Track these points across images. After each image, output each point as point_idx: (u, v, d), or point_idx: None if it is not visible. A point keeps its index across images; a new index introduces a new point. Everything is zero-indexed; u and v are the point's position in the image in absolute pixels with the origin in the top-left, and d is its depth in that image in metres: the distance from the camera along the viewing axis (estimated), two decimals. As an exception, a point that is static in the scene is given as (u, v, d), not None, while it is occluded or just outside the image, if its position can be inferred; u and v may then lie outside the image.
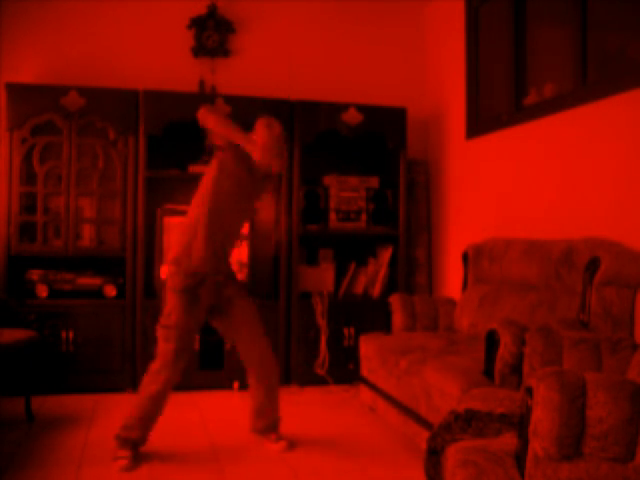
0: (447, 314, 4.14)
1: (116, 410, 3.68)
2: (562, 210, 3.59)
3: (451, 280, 4.82)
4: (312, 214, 4.71)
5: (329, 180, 4.79)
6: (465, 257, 4.17)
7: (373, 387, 3.81)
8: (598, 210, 3.30)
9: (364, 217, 4.79)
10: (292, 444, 3.30)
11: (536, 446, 1.76)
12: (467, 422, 2.11)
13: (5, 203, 4.26)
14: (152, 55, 4.82)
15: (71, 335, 4.26)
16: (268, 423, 3.32)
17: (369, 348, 3.90)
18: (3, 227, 4.26)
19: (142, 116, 4.37)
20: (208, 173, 3.16)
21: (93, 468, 2.97)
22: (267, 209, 4.60)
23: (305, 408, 4.08)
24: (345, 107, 4.67)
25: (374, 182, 4.87)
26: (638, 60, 3.27)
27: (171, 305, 3.04)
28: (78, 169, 4.36)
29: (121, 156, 4.39)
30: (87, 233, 4.49)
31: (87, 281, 4.38)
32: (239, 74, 4.92)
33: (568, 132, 3.55)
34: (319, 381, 4.53)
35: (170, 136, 4.52)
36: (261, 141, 3.10)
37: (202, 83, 4.83)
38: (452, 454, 1.99)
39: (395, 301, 4.14)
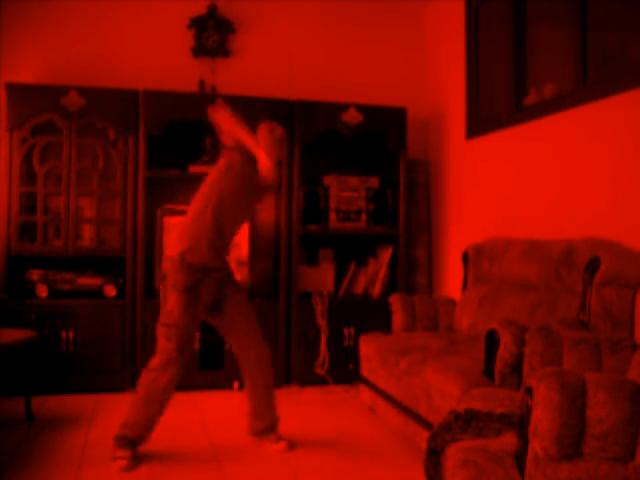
0: (447, 314, 4.14)
1: (116, 410, 3.67)
2: (562, 210, 3.59)
3: (451, 280, 4.82)
4: (312, 214, 4.71)
5: (329, 180, 4.79)
6: (465, 257, 4.17)
7: (373, 387, 3.81)
8: (598, 210, 3.30)
9: (364, 217, 4.79)
10: (292, 444, 3.30)
11: (536, 446, 1.76)
12: (467, 422, 2.11)
13: (5, 203, 4.26)
14: (152, 55, 4.82)
15: (71, 335, 4.27)
16: (266, 424, 3.31)
17: (369, 348, 3.90)
18: (3, 227, 4.26)
19: (142, 116, 4.37)
20: (215, 171, 3.16)
21: (93, 468, 2.97)
22: (267, 209, 4.60)
23: (305, 408, 4.08)
24: (345, 107, 4.67)
25: (374, 182, 4.87)
26: (638, 60, 3.27)
27: (172, 303, 3.03)
28: (78, 169, 4.36)
29: (121, 156, 4.40)
30: (87, 233, 4.49)
31: (87, 281, 4.38)
32: (239, 74, 4.92)
33: (568, 132, 3.55)
34: (319, 381, 4.53)
35: (170, 136, 4.53)
36: (263, 145, 3.10)
37: (202, 83, 4.83)
38: (452, 454, 1.98)
39: (395, 301, 4.14)
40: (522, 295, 3.48)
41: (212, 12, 4.88)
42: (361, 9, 5.21)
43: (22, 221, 4.30)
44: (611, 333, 2.83)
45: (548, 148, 3.73)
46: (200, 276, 3.06)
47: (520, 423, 1.86)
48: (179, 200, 4.53)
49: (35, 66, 4.63)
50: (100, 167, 4.40)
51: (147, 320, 4.17)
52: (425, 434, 2.77)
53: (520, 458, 1.81)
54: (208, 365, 4.40)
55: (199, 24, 4.87)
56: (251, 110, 4.47)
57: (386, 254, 4.82)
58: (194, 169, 4.50)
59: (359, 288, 4.83)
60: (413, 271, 5.05)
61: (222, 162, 3.17)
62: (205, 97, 4.59)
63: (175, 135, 4.58)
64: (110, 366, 4.32)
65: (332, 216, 4.73)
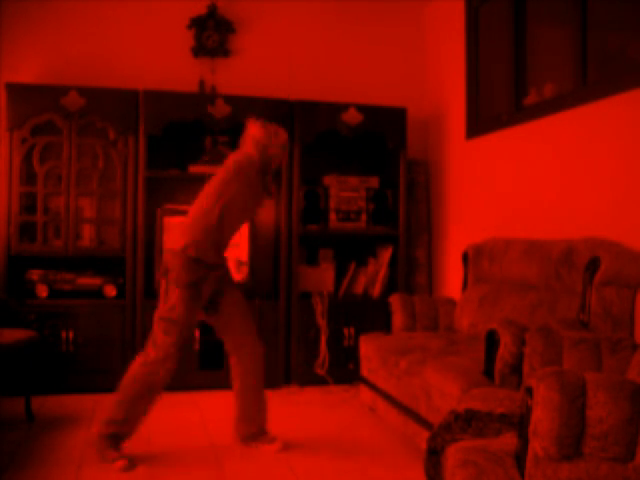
0: (447, 314, 4.14)
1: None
2: (562, 210, 3.59)
3: (451, 280, 4.82)
4: (312, 214, 4.71)
5: (329, 180, 4.79)
6: (465, 257, 4.17)
7: (373, 387, 3.81)
8: (598, 210, 3.30)
9: (364, 217, 4.79)
10: (287, 444, 3.29)
11: (536, 446, 1.76)
12: (467, 422, 2.11)
13: (5, 203, 4.26)
14: (152, 55, 4.82)
15: (71, 335, 4.27)
16: (255, 430, 3.27)
17: (369, 348, 3.90)
18: (3, 227, 4.26)
19: (142, 116, 4.37)
20: (222, 173, 3.17)
21: (93, 468, 2.97)
22: (267, 209, 4.60)
23: (305, 408, 4.08)
24: (345, 107, 4.67)
25: (374, 182, 4.87)
26: (638, 60, 3.27)
27: (175, 299, 3.02)
28: (78, 169, 4.36)
29: (121, 156, 4.40)
30: (87, 233, 4.49)
31: (87, 281, 4.38)
32: (239, 74, 4.93)
33: (568, 132, 3.55)
34: (319, 381, 4.53)
35: (170, 136, 4.53)
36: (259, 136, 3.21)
37: (202, 83, 4.83)
38: (452, 454, 1.98)
39: (395, 301, 4.14)
40: (522, 295, 3.48)
41: (212, 12, 4.88)
42: (361, 9, 5.21)
43: (22, 221, 4.30)
44: (611, 333, 2.83)
45: (548, 148, 3.73)
46: (202, 273, 3.06)
47: (520, 423, 1.86)
48: (179, 200, 4.53)
49: (35, 66, 4.63)
50: (100, 167, 4.40)
51: (147, 320, 4.17)
52: (425, 434, 2.77)
53: (520, 458, 1.81)
54: (208, 365, 4.40)
55: (199, 24, 4.87)
56: (251, 110, 4.47)
57: (386, 254, 4.83)
58: (194, 169, 4.50)
59: (359, 288, 4.83)
60: (413, 271, 5.05)
61: (231, 164, 3.18)
62: (205, 97, 4.59)
63: (175, 135, 4.59)
64: (110, 366, 4.31)
65: (332, 216, 4.73)
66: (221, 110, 4.46)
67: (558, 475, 1.73)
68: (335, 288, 4.80)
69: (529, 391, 1.80)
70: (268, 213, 4.63)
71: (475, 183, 4.56)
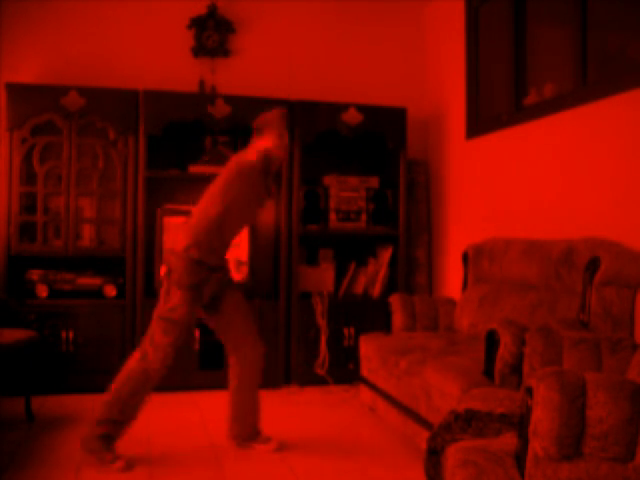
0: (447, 314, 4.14)
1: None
2: (562, 210, 3.59)
3: (451, 280, 4.82)
4: (312, 214, 4.71)
5: (329, 180, 4.79)
6: (465, 257, 4.17)
7: (373, 387, 3.81)
8: (598, 210, 3.30)
9: (364, 217, 4.79)
10: (283, 444, 3.29)
11: (536, 446, 1.76)
12: (467, 422, 2.11)
13: (5, 203, 4.26)
14: (152, 55, 4.82)
15: (71, 335, 4.27)
16: (250, 430, 3.27)
17: (369, 348, 3.90)
18: (3, 227, 4.26)
19: (142, 116, 4.37)
20: (225, 174, 3.17)
21: (93, 468, 2.97)
22: (267, 209, 4.60)
23: (305, 408, 4.08)
24: (345, 107, 4.67)
25: (374, 182, 4.87)
26: (638, 60, 3.28)
27: (176, 300, 3.02)
28: (78, 169, 4.36)
29: (121, 156, 4.40)
30: (87, 233, 4.49)
31: (87, 281, 4.38)
32: (239, 74, 4.93)
33: (568, 132, 3.55)
34: (319, 381, 4.53)
35: (170, 136, 4.53)
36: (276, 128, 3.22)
37: (202, 83, 4.83)
38: (452, 454, 1.98)
39: (395, 301, 4.14)
40: (522, 295, 3.48)
41: (212, 12, 4.88)
42: (361, 9, 5.21)
43: (22, 221, 4.30)
44: (611, 333, 2.83)
45: (548, 148, 3.73)
46: (205, 275, 3.06)
47: (520, 423, 1.86)
48: (179, 200, 4.54)
49: (35, 66, 4.63)
50: (100, 167, 4.40)
51: (147, 320, 4.15)
52: (425, 434, 2.77)
53: (520, 458, 1.81)
54: (208, 365, 4.40)
55: (199, 24, 4.87)
56: (251, 110, 4.48)
57: (386, 254, 4.83)
58: (194, 169, 4.50)
59: (359, 288, 4.83)
60: (413, 271, 5.05)
61: (233, 166, 3.18)
62: (205, 97, 4.59)
63: (175, 135, 4.59)
64: (110, 366, 4.27)
65: (332, 216, 4.73)
66: (221, 110, 4.46)
67: (558, 475, 1.73)
68: (335, 288, 4.80)
69: (529, 391, 1.80)
70: (268, 213, 4.63)
71: (475, 183, 4.56)
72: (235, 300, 3.25)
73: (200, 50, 4.87)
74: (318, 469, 3.04)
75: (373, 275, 4.83)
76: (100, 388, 4.26)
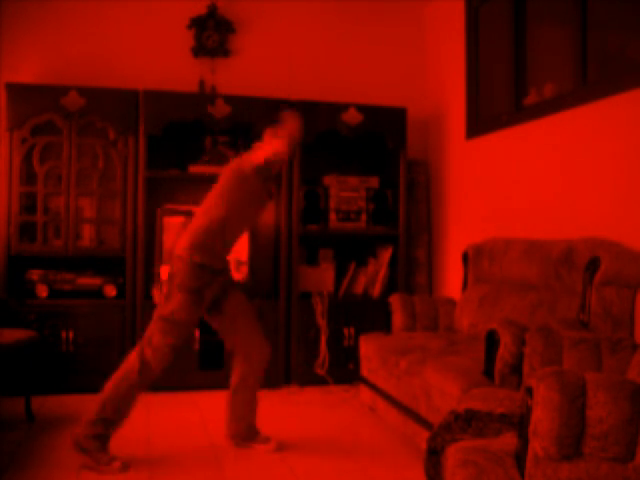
0: (447, 314, 4.14)
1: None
2: (562, 210, 3.59)
3: (451, 280, 4.82)
4: (312, 214, 4.71)
5: (329, 180, 4.79)
6: (465, 257, 4.17)
7: (373, 387, 3.81)
8: (598, 210, 3.30)
9: (364, 217, 4.79)
10: (282, 444, 3.28)
11: (536, 446, 1.76)
12: (467, 422, 2.11)
13: (5, 203, 4.26)
14: (152, 55, 4.82)
15: (71, 335, 4.27)
16: (245, 429, 3.26)
17: (369, 348, 3.90)
18: (3, 227, 4.26)
19: (142, 116, 4.37)
20: (224, 180, 3.16)
21: (90, 469, 2.96)
22: (267, 209, 4.60)
23: (305, 408, 4.08)
24: (345, 107, 4.67)
25: (374, 182, 4.87)
26: (638, 60, 3.27)
27: (176, 303, 3.02)
28: (78, 169, 4.36)
29: (121, 156, 4.40)
30: (87, 233, 4.49)
31: (87, 281, 4.38)
32: (239, 74, 4.93)
33: (568, 132, 3.55)
34: (319, 381, 4.53)
35: (170, 136, 4.53)
36: (291, 133, 3.23)
37: (202, 83, 4.83)
38: (452, 454, 1.98)
39: (395, 301, 4.14)
40: (522, 295, 3.48)
41: (212, 12, 4.88)
42: (361, 9, 5.21)
43: (22, 221, 4.30)
44: (611, 333, 2.83)
45: (548, 148, 3.73)
46: (207, 279, 3.06)
47: (520, 423, 1.86)
48: (179, 200, 4.54)
49: (35, 66, 4.63)
50: (100, 167, 4.40)
51: (147, 320, 4.15)
52: (425, 434, 2.77)
53: (520, 458, 1.81)
54: (208, 365, 4.40)
55: (199, 24, 4.87)
56: (251, 110, 4.49)
57: (386, 254, 4.83)
58: (194, 169, 4.50)
59: (359, 288, 4.83)
60: (413, 271, 5.05)
61: (235, 169, 3.16)
62: (205, 97, 4.59)
63: (175, 135, 4.59)
64: (110, 366, 4.28)
65: (332, 216, 4.73)
66: (221, 110, 4.46)
67: (558, 475, 1.73)
68: (335, 288, 4.80)
69: (529, 391, 1.80)
70: (268, 213, 4.63)
71: (475, 183, 4.56)
72: (237, 300, 3.25)
73: (200, 50, 4.87)
74: (318, 469, 3.04)
75: (373, 275, 4.83)
76: (100, 388, 4.28)
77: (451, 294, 4.64)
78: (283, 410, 3.98)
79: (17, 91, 4.26)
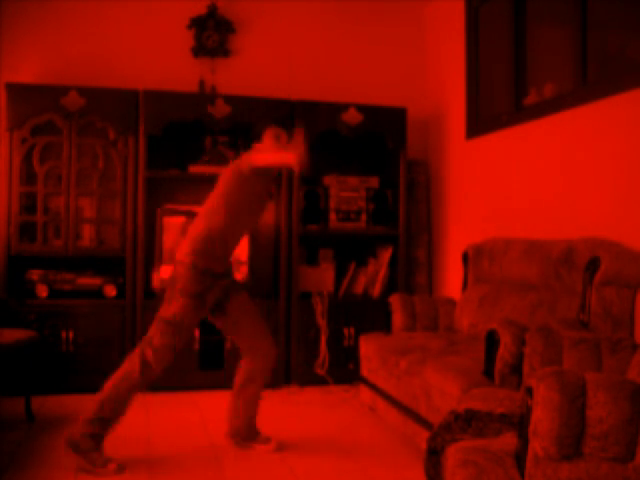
0: (447, 314, 4.14)
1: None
2: (562, 210, 3.59)
3: (451, 280, 4.82)
4: (312, 214, 4.71)
5: (329, 180, 4.79)
6: (465, 257, 4.17)
7: (373, 387, 3.81)
8: (598, 210, 3.30)
9: (364, 217, 4.79)
10: (283, 444, 3.28)
11: (536, 446, 1.76)
12: (467, 422, 2.11)
13: (5, 203, 4.26)
14: (152, 55, 4.82)
15: (71, 335, 4.27)
16: (249, 429, 3.26)
17: (369, 348, 3.90)
18: (3, 227, 4.26)
19: (142, 116, 4.37)
20: (223, 182, 3.16)
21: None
22: (267, 209, 4.60)
23: (305, 408, 4.08)
24: (345, 107, 4.67)
25: (374, 182, 4.87)
26: (638, 60, 3.28)
27: (179, 307, 3.01)
28: (78, 169, 4.36)
29: (121, 156, 4.40)
30: (87, 233, 4.49)
31: (87, 281, 4.38)
32: (239, 74, 4.93)
33: (568, 132, 3.55)
34: (319, 381, 4.53)
35: (170, 136, 4.53)
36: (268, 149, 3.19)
37: (202, 83, 4.83)
38: (452, 454, 1.99)
39: (395, 301, 4.14)
40: (522, 295, 3.48)
41: (212, 12, 4.88)
42: (361, 9, 5.21)
43: (22, 221, 4.30)
44: (611, 333, 2.83)
45: (548, 148, 3.73)
46: (209, 283, 3.06)
47: (520, 423, 1.86)
48: (179, 200, 4.54)
49: (35, 66, 4.63)
50: (100, 167, 4.40)
51: (147, 320, 4.16)
52: (425, 434, 2.77)
53: (520, 458, 1.81)
54: (208, 365, 4.40)
55: (199, 24, 4.87)
56: (251, 110, 4.49)
57: (386, 254, 4.83)
58: (194, 169, 4.50)
59: (359, 288, 4.83)
60: (413, 271, 5.05)
61: (235, 172, 3.16)
62: (205, 97, 4.59)
63: (175, 135, 4.59)
64: (110, 366, 4.28)
65: (332, 216, 4.73)
66: (221, 110, 4.46)
67: (558, 475, 1.73)
68: (335, 288, 4.80)
69: (529, 391, 1.80)
70: (268, 213, 4.63)
71: (475, 183, 4.56)
72: (241, 301, 3.25)
73: (200, 50, 4.87)
74: (318, 469, 3.04)
75: (373, 275, 4.83)
76: (100, 388, 4.28)
77: (451, 294, 4.64)
78: (283, 410, 3.98)
79: (17, 91, 4.26)
